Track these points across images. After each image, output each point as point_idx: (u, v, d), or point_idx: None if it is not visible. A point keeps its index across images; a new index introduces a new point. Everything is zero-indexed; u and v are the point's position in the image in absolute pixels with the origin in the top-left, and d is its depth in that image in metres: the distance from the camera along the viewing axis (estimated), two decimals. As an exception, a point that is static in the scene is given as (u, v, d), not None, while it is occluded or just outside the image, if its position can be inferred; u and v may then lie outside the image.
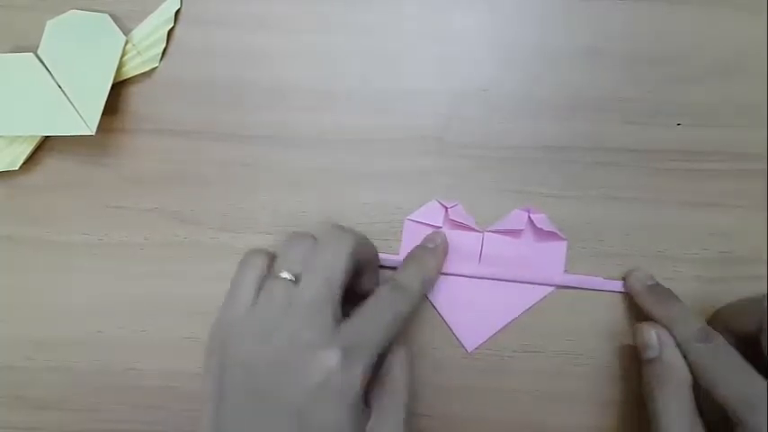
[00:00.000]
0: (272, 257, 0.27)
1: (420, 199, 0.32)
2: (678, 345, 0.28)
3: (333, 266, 0.26)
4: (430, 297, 0.32)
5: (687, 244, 0.32)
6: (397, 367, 0.27)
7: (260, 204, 0.32)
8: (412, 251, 0.30)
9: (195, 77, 0.33)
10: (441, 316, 0.32)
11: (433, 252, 0.30)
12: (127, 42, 0.32)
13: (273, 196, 0.32)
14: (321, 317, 0.25)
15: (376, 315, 0.26)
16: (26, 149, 0.32)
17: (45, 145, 0.32)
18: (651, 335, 0.29)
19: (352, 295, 0.28)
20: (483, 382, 0.32)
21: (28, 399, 0.32)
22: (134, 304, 0.32)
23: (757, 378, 0.25)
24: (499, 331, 0.32)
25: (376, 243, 0.32)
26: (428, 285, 0.30)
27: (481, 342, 0.32)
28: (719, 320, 0.30)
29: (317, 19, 0.33)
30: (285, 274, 0.26)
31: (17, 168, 0.32)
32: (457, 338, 0.32)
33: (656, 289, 0.30)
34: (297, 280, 0.26)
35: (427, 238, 0.31)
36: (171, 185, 0.32)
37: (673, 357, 0.28)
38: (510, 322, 0.32)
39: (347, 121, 0.32)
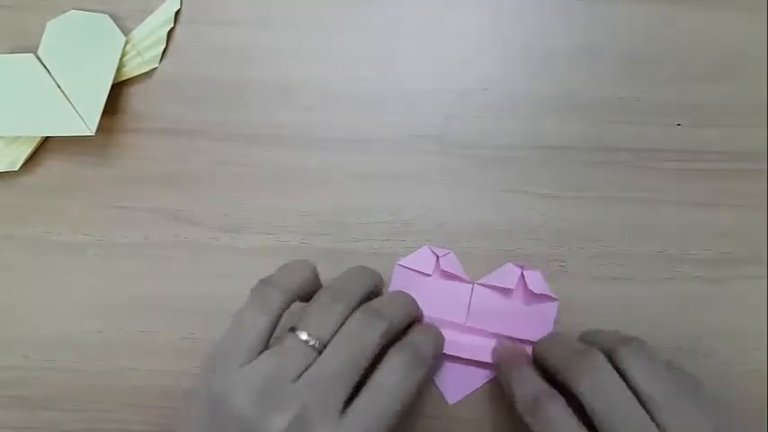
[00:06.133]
0: (289, 299, 0.25)
1: (420, 199, 0.32)
2: (519, 412, 0.26)
3: (363, 346, 0.24)
4: None
5: (687, 244, 0.32)
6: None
7: (260, 204, 0.32)
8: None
9: (195, 78, 0.33)
10: None
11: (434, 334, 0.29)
12: (127, 43, 0.32)
13: (273, 196, 0.32)
14: (334, 396, 0.23)
15: (386, 398, 0.24)
16: (26, 150, 0.32)
17: (45, 145, 0.32)
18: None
19: None
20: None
21: (28, 399, 0.32)
22: (134, 304, 0.32)
23: None
24: (481, 386, 0.31)
25: (376, 243, 0.32)
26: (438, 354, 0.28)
27: (463, 396, 0.31)
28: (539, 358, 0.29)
29: (317, 19, 0.33)
30: (306, 337, 0.24)
31: (17, 169, 0.32)
32: (438, 390, 0.31)
33: (510, 357, 0.29)
34: (318, 347, 0.24)
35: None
36: (171, 185, 0.32)
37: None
38: (493, 378, 0.31)
39: (347, 121, 0.32)
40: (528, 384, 0.27)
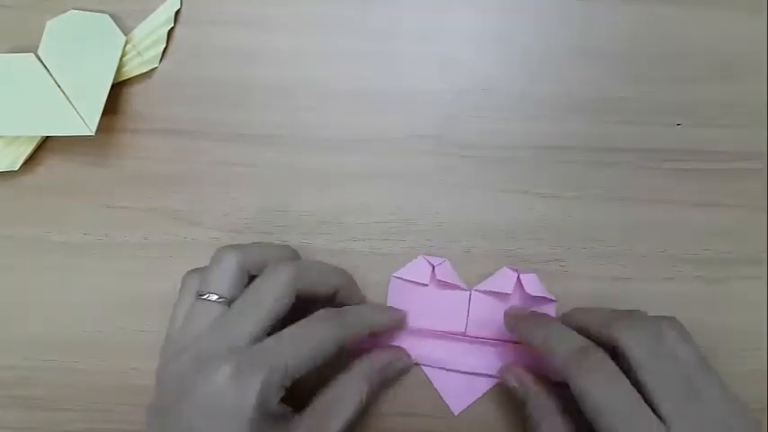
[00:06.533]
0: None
1: (419, 199, 0.32)
2: (559, 366, 0.26)
3: (267, 293, 0.25)
4: (416, 358, 0.31)
5: (687, 244, 0.32)
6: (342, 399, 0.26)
7: (260, 204, 0.32)
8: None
9: (195, 77, 0.33)
10: (427, 377, 0.31)
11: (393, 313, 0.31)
12: (127, 42, 0.32)
13: (273, 196, 0.32)
14: (235, 335, 0.24)
15: (297, 335, 0.25)
16: (26, 149, 0.32)
17: (45, 145, 0.32)
18: (511, 380, 0.29)
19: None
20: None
21: (27, 399, 0.32)
22: (134, 304, 0.32)
23: (638, 403, 0.24)
24: (485, 394, 0.31)
25: (375, 243, 0.32)
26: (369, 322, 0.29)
27: (467, 405, 0.31)
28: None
29: (317, 19, 0.33)
30: (212, 297, 0.26)
31: (17, 168, 0.32)
32: (443, 401, 0.31)
33: (533, 314, 0.30)
34: (225, 301, 0.26)
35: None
36: (171, 185, 0.32)
37: (538, 397, 0.28)
38: (496, 384, 0.31)
39: (347, 121, 0.32)
40: (569, 338, 0.27)
